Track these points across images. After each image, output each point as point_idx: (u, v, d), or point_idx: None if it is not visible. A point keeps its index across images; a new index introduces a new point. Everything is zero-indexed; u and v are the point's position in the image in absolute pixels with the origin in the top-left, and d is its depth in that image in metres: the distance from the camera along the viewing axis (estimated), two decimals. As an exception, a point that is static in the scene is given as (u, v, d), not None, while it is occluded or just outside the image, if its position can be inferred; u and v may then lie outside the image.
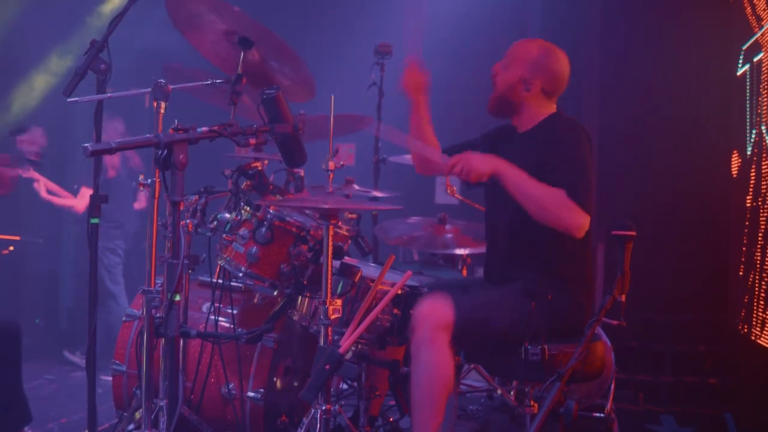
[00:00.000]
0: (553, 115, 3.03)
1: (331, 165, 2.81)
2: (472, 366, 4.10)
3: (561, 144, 2.85)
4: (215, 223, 3.16)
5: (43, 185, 5.65)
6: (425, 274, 3.70)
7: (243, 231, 3.08)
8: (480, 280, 3.21)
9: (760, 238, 4.12)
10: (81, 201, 5.70)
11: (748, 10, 4.44)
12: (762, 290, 4.03)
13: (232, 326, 3.31)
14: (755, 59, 4.31)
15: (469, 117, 5.66)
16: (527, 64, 2.99)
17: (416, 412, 2.76)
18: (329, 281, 2.76)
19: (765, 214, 4.05)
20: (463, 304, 2.76)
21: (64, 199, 5.75)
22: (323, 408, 2.73)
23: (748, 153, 4.47)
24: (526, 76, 2.98)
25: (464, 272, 4.49)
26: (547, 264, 2.88)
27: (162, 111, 2.80)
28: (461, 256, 4.44)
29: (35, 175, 5.61)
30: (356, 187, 3.95)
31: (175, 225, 2.20)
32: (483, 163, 2.81)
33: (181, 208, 2.27)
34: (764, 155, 4.09)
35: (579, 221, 2.74)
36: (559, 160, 2.81)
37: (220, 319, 3.37)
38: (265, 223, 3.06)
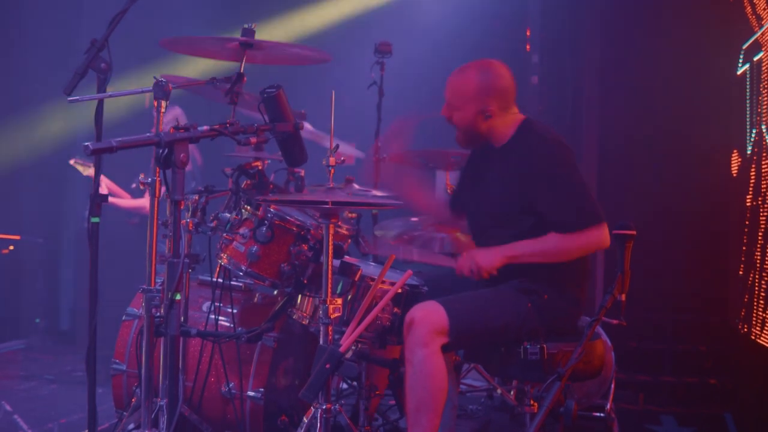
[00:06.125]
0: (524, 125, 2.98)
1: (332, 161, 2.81)
2: (472, 366, 4.10)
3: (542, 172, 2.84)
4: (216, 222, 3.16)
5: (105, 187, 5.09)
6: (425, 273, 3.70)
7: (243, 230, 3.08)
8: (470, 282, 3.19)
9: (760, 238, 4.12)
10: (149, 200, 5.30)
11: (748, 9, 4.45)
12: (762, 290, 4.03)
13: (232, 325, 3.30)
14: (755, 58, 4.31)
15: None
16: (474, 96, 2.96)
17: (413, 418, 2.76)
18: (329, 280, 2.76)
19: (765, 214, 4.05)
20: (455, 308, 2.77)
21: (130, 201, 5.26)
22: (323, 407, 2.73)
23: (748, 152, 4.48)
24: (479, 107, 2.96)
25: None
26: (542, 265, 2.88)
27: (162, 110, 2.80)
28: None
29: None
30: (356, 186, 3.94)
31: (176, 224, 2.20)
32: (489, 260, 2.85)
33: (182, 207, 2.27)
34: (764, 154, 4.09)
35: (597, 238, 2.79)
36: (549, 192, 2.82)
37: (221, 318, 3.37)
38: (265, 222, 3.06)
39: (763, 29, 4.14)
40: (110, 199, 5.06)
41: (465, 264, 2.88)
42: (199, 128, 2.25)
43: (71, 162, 5.18)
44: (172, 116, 5.01)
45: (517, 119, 3.00)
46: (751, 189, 4.38)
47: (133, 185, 5.31)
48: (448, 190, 4.43)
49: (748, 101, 4.50)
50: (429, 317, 2.74)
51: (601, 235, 2.79)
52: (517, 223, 2.90)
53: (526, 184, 2.86)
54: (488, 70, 2.99)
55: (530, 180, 2.85)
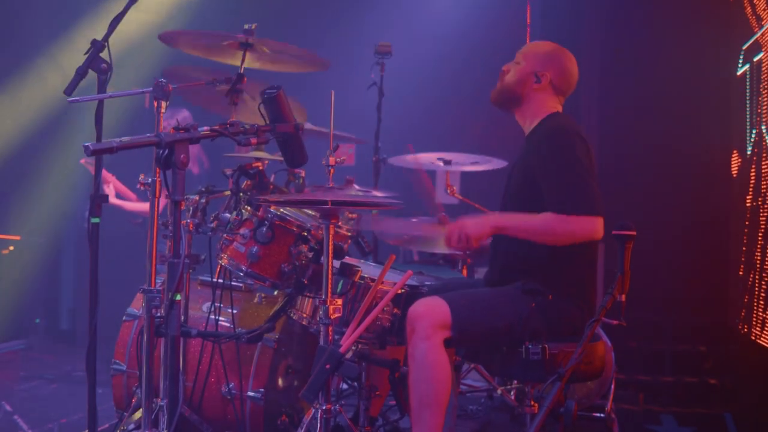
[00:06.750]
0: (553, 114, 3.01)
1: (332, 160, 2.81)
2: (472, 366, 4.10)
3: (551, 154, 2.85)
4: (216, 222, 3.16)
5: (112, 188, 4.94)
6: (425, 274, 3.70)
7: (244, 230, 3.08)
8: (478, 283, 3.20)
9: (760, 238, 4.12)
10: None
11: (748, 9, 4.45)
12: (762, 290, 4.03)
13: (232, 326, 3.31)
14: (755, 59, 4.31)
15: (468, 115, 5.68)
16: (539, 57, 3.03)
17: (417, 412, 2.75)
18: (330, 281, 2.76)
19: (765, 214, 4.05)
20: (458, 303, 2.77)
21: (137, 204, 5.09)
22: (323, 408, 2.73)
23: (748, 153, 4.48)
24: (537, 68, 3.00)
25: (464, 272, 4.49)
26: (549, 265, 2.88)
27: (162, 110, 2.80)
28: (461, 255, 4.44)
29: (106, 175, 4.93)
30: (356, 187, 3.94)
31: (176, 224, 2.20)
32: (478, 227, 2.83)
33: (182, 208, 2.27)
34: (764, 155, 4.09)
35: (589, 228, 2.75)
36: (551, 172, 2.82)
37: (221, 318, 3.37)
38: (266, 222, 3.06)
39: (763, 29, 4.14)
40: (117, 201, 5.05)
41: (454, 232, 2.85)
42: (200, 129, 2.25)
43: (82, 161, 5.16)
44: (181, 118, 4.92)
45: (551, 110, 3.03)
46: (751, 189, 4.38)
47: (138, 186, 5.21)
48: (449, 191, 4.43)
49: (748, 101, 4.50)
50: (432, 311, 2.74)
51: (594, 226, 2.74)
52: (530, 208, 2.90)
53: (537, 166, 2.87)
54: (566, 51, 3.09)
55: (540, 158, 2.86)
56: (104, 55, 2.74)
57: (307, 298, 3.09)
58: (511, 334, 2.79)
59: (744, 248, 4.55)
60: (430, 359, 2.72)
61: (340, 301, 2.78)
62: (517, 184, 3.01)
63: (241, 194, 3.21)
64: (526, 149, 3.03)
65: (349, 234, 3.43)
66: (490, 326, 2.79)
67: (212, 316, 3.33)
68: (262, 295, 3.49)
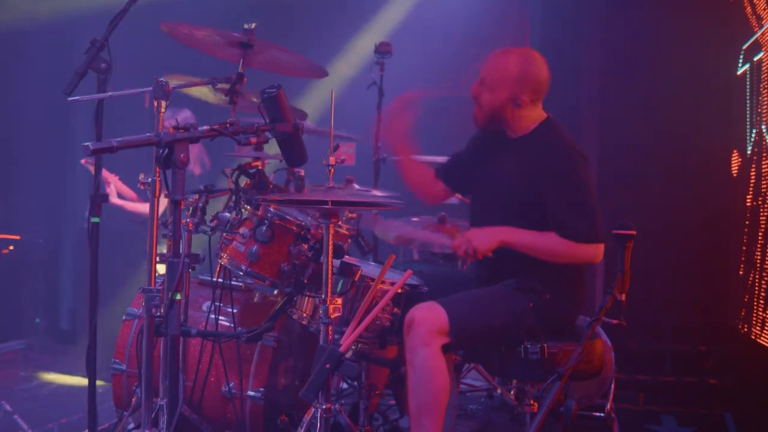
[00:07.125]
0: (545, 123, 3.01)
1: (332, 160, 2.81)
2: (472, 365, 4.10)
3: (557, 176, 2.87)
4: (216, 221, 3.16)
5: (113, 188, 4.96)
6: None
7: (243, 230, 3.08)
8: (469, 278, 3.21)
9: (760, 238, 4.12)
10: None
11: (748, 9, 4.45)
12: (762, 289, 4.03)
13: (232, 325, 3.31)
14: (755, 59, 4.31)
15: (469, 114, 5.67)
16: (510, 82, 2.98)
17: (416, 417, 2.76)
18: (329, 280, 2.76)
19: (765, 214, 4.05)
20: (455, 308, 2.78)
21: (138, 204, 5.09)
22: (323, 407, 2.73)
23: (748, 152, 4.48)
24: (513, 94, 2.97)
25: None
26: (545, 263, 2.88)
27: (162, 110, 2.80)
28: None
29: (107, 175, 4.95)
30: (356, 186, 3.94)
31: (176, 223, 2.20)
32: (486, 240, 2.87)
33: (182, 207, 2.27)
34: (764, 154, 4.09)
35: (591, 254, 2.84)
36: (558, 196, 2.85)
37: (221, 318, 3.37)
38: (265, 221, 3.06)
39: (763, 29, 4.14)
40: (118, 201, 5.05)
41: (461, 244, 2.89)
42: (199, 128, 2.25)
43: (83, 162, 5.16)
44: (182, 119, 4.92)
45: (540, 116, 3.04)
46: (751, 189, 4.38)
47: (140, 186, 5.19)
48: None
49: (748, 101, 4.50)
50: (429, 317, 2.75)
51: (595, 253, 2.84)
52: (524, 215, 2.91)
53: (539, 179, 2.88)
54: (531, 60, 3.02)
55: (543, 176, 2.87)
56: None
57: (306, 298, 3.10)
58: (507, 332, 2.80)
59: (744, 248, 4.55)
60: (429, 366, 2.73)
61: (339, 301, 2.78)
62: (509, 189, 3.00)
63: (241, 193, 3.21)
64: (517, 154, 3.01)
65: (349, 233, 3.43)
66: (487, 325, 2.80)
67: (212, 316, 3.33)
68: (262, 294, 3.49)
